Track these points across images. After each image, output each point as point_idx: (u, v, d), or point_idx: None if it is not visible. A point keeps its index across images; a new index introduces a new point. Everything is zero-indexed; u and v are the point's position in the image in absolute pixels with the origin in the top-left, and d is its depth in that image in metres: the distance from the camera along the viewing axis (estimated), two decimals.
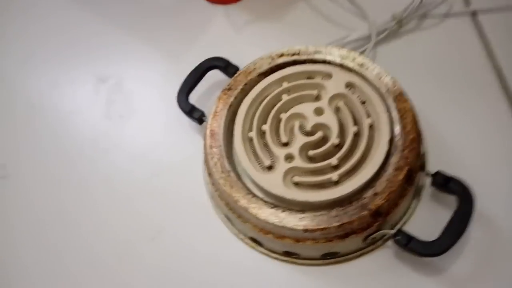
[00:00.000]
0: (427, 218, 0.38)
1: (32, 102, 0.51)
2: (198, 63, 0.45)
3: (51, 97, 0.51)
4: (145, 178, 0.44)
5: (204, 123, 0.42)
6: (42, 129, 0.49)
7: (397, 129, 0.36)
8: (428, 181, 0.39)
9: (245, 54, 0.43)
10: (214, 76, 0.45)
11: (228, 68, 0.44)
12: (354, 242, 0.36)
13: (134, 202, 0.43)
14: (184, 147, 0.45)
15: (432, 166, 0.39)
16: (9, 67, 0.53)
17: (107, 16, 0.55)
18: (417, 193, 0.39)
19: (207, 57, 0.45)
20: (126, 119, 0.48)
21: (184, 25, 0.53)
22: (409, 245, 0.34)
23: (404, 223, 0.38)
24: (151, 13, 0.54)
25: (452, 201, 0.37)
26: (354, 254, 0.38)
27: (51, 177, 0.45)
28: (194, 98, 0.45)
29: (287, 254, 0.38)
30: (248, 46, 0.49)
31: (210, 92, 0.47)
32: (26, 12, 0.57)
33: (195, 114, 0.43)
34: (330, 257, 0.38)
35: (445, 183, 0.36)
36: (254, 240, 0.39)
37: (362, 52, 0.45)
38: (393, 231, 0.35)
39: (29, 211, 0.44)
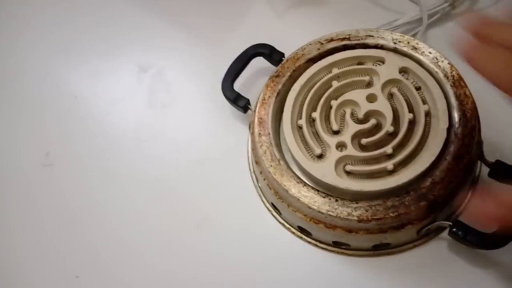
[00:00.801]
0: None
1: (74, 92, 0.51)
2: (240, 50, 0.44)
3: (93, 87, 0.51)
4: (189, 166, 0.44)
5: (249, 111, 0.42)
6: (85, 118, 0.49)
7: (456, 116, 0.34)
8: (484, 171, 0.37)
9: (288, 41, 0.42)
10: (256, 63, 0.44)
11: (273, 55, 0.43)
12: (408, 233, 0.35)
13: (178, 190, 0.43)
14: (227, 136, 0.45)
15: (488, 156, 0.37)
16: (51, 59, 0.54)
17: (147, 5, 0.55)
18: (473, 183, 0.38)
19: (248, 45, 0.44)
20: (169, 108, 0.48)
21: (224, 13, 0.52)
22: (468, 237, 0.33)
23: (459, 214, 0.37)
24: (190, 2, 0.54)
25: None
26: (406, 246, 0.37)
27: (94, 165, 0.46)
28: (236, 86, 0.44)
29: (336, 244, 0.37)
30: (291, 33, 0.48)
31: (252, 80, 0.46)
32: (66, 3, 0.57)
33: (240, 102, 0.42)
34: (381, 249, 0.37)
35: (507, 173, 0.34)
36: (301, 229, 0.38)
37: (413, 36, 0.43)
38: (449, 223, 0.34)
39: (74, 198, 0.44)
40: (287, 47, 0.42)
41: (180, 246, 0.40)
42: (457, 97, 0.35)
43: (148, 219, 0.42)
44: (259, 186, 0.41)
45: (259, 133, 0.37)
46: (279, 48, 0.43)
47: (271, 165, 0.36)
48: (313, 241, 0.38)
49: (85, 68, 0.52)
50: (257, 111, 0.38)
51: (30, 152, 0.48)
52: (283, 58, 0.42)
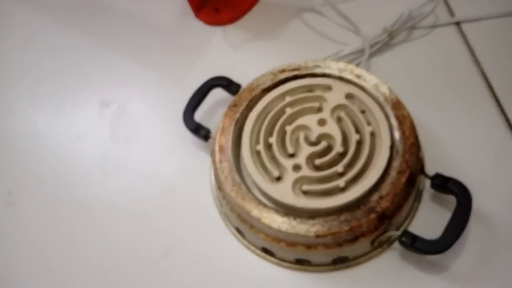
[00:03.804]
0: (427, 219, 0.40)
1: (37, 130, 0.52)
2: (199, 83, 0.47)
3: (56, 124, 0.52)
4: (154, 197, 0.45)
5: (210, 140, 0.44)
6: (48, 155, 0.50)
7: (397, 135, 0.38)
8: (427, 184, 0.41)
9: (244, 72, 0.45)
10: (215, 94, 0.47)
11: (231, 86, 0.46)
12: (363, 245, 0.37)
13: (144, 220, 0.44)
14: (190, 165, 0.47)
15: (430, 169, 0.41)
16: (13, 97, 0.54)
17: (107, 45, 0.57)
18: (418, 196, 0.41)
19: (207, 77, 0.47)
20: (132, 141, 0.50)
21: (183, 47, 0.55)
22: (415, 245, 0.36)
23: (408, 225, 0.40)
24: (149, 37, 0.56)
25: (449, 202, 0.39)
26: (363, 258, 0.39)
27: (59, 201, 0.46)
28: (197, 117, 0.46)
29: (299, 262, 0.39)
30: (247, 65, 0.51)
31: (212, 110, 0.49)
32: (28, 42, 0.59)
33: (201, 132, 0.44)
34: (340, 262, 0.39)
35: (444, 184, 0.38)
36: (265, 250, 0.40)
37: (357, 65, 0.47)
38: (398, 232, 0.37)
39: (39, 236, 0.45)
40: (243, 78, 0.45)
41: (148, 274, 0.41)
42: (397, 118, 0.39)
43: (116, 249, 0.43)
44: (223, 212, 0.43)
45: (220, 160, 0.40)
46: (236, 79, 0.46)
47: (233, 190, 0.38)
48: (276, 261, 0.40)
49: (48, 106, 0.53)
50: (217, 139, 0.41)
51: None
52: (240, 89, 0.45)
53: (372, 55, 0.49)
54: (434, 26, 0.52)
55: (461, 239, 0.36)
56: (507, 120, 0.45)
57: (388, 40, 0.49)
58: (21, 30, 0.60)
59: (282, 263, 0.40)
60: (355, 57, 0.49)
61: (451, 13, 0.53)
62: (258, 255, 0.41)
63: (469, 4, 0.52)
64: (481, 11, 0.51)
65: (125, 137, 0.50)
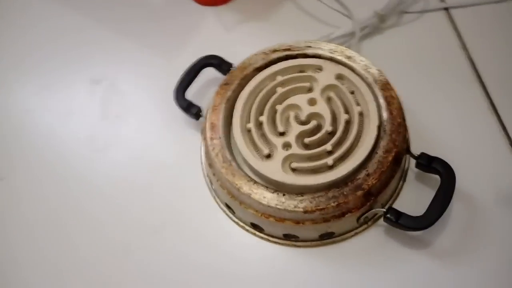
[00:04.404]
0: (411, 198, 0.42)
1: (26, 105, 0.51)
2: (191, 62, 0.47)
3: (45, 101, 0.51)
4: (144, 174, 0.46)
5: (201, 118, 0.44)
6: (37, 131, 0.50)
7: (385, 115, 0.39)
8: (412, 164, 0.42)
9: (236, 52, 0.46)
10: (207, 73, 0.47)
11: (222, 65, 0.46)
12: (349, 221, 0.39)
13: (135, 197, 0.45)
14: (180, 143, 0.47)
15: (415, 149, 0.42)
16: (2, 73, 0.54)
17: (99, 20, 0.56)
18: (403, 175, 0.42)
19: (199, 56, 0.47)
20: (123, 118, 0.50)
21: (175, 27, 0.55)
22: (399, 221, 0.37)
23: (392, 203, 0.41)
24: (143, 16, 0.56)
25: (432, 182, 0.40)
26: (349, 234, 0.40)
27: (48, 177, 0.46)
28: (188, 95, 0.46)
29: (287, 237, 0.40)
30: (239, 45, 0.51)
31: (203, 89, 0.49)
32: (18, 17, 0.57)
33: (193, 110, 0.44)
34: (327, 238, 0.40)
35: (429, 163, 0.39)
36: (254, 226, 0.41)
37: (347, 47, 0.48)
38: (384, 209, 0.38)
39: (27, 212, 0.45)
40: (235, 58, 0.45)
41: (139, 249, 0.42)
42: (385, 98, 0.40)
43: (106, 227, 0.43)
44: (213, 189, 0.43)
45: (211, 138, 0.40)
46: (227, 59, 0.46)
47: (223, 166, 0.39)
48: (265, 236, 0.41)
49: (37, 82, 0.53)
50: (208, 117, 0.41)
51: None
52: (232, 68, 0.45)
53: (362, 38, 0.50)
54: (424, 11, 0.52)
55: (444, 217, 0.37)
56: (491, 103, 0.46)
57: (378, 24, 0.50)
58: (8, 4, 0.59)
59: (271, 238, 0.41)
60: (346, 40, 0.50)
61: None
62: (247, 230, 0.42)
63: None
64: None
65: (115, 115, 0.50)
